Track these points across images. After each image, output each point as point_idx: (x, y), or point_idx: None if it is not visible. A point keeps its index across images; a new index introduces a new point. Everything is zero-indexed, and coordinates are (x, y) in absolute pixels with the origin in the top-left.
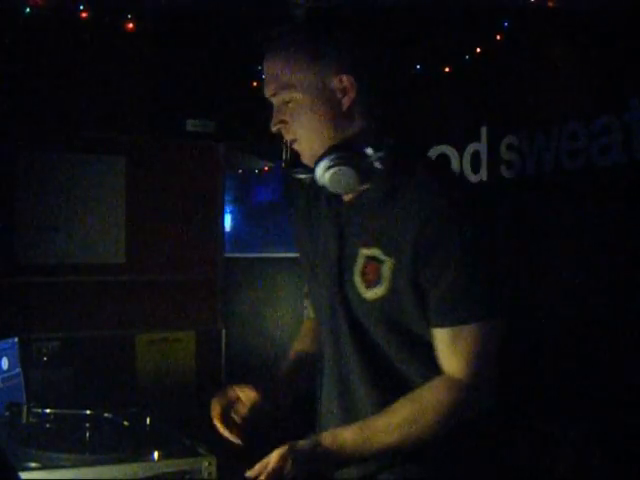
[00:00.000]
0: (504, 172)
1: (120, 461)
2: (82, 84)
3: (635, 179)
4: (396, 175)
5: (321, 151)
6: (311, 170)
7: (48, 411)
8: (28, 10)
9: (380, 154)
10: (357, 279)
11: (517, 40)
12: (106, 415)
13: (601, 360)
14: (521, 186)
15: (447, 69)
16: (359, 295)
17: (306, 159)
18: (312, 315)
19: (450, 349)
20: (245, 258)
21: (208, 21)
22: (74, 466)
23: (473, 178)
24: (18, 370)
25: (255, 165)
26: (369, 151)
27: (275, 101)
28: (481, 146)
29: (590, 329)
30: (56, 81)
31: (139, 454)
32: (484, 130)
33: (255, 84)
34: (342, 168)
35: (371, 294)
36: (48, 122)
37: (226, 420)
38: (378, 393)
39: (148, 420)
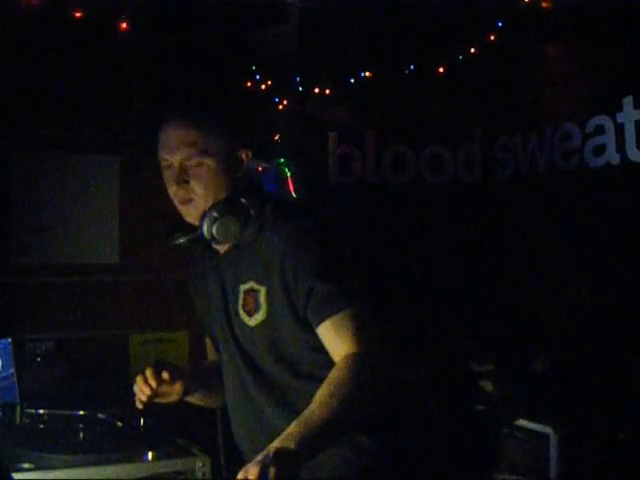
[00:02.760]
0: (498, 172)
1: (114, 462)
2: (76, 84)
3: (628, 179)
4: (262, 218)
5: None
6: (190, 232)
7: (42, 412)
8: (22, 10)
9: (251, 202)
10: (241, 311)
11: (511, 40)
12: (100, 416)
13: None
14: (515, 186)
15: (441, 69)
16: (245, 324)
17: (193, 218)
18: (211, 357)
19: (336, 335)
20: None
21: (204, 21)
22: (68, 467)
23: (468, 178)
24: (12, 370)
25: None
26: (244, 201)
27: (179, 163)
28: (475, 146)
29: (587, 327)
30: (50, 81)
31: (133, 455)
32: (478, 130)
33: (250, 84)
34: (226, 218)
35: (253, 321)
36: (42, 122)
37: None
38: (276, 407)
39: (142, 421)
